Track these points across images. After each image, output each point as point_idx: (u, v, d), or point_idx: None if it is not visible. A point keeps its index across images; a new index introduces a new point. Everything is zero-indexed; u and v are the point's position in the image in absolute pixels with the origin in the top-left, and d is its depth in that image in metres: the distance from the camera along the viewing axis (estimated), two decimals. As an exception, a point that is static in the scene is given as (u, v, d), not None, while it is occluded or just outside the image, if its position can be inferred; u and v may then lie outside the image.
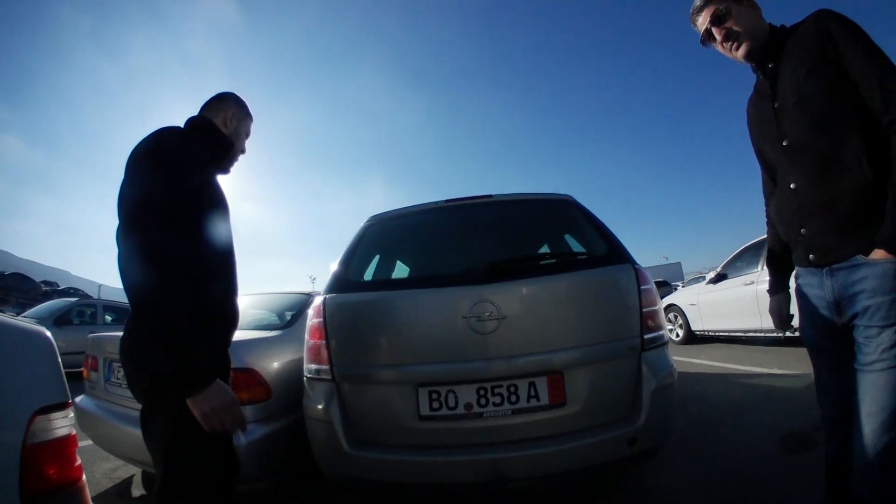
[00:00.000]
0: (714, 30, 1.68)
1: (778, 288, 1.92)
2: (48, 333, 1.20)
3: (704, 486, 2.67)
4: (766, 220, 1.93)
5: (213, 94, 1.81)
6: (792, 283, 1.79)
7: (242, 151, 1.85)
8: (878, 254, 1.38)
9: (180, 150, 1.48)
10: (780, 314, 1.91)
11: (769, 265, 1.97)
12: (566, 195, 2.83)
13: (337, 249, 2.63)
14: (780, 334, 2.03)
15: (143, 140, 1.46)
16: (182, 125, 1.67)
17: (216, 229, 1.56)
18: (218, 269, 1.57)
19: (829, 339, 1.60)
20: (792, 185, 1.58)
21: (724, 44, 1.68)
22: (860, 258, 1.43)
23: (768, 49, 1.65)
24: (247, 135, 1.86)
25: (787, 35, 1.60)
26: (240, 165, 1.85)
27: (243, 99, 1.85)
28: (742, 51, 1.66)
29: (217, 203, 1.59)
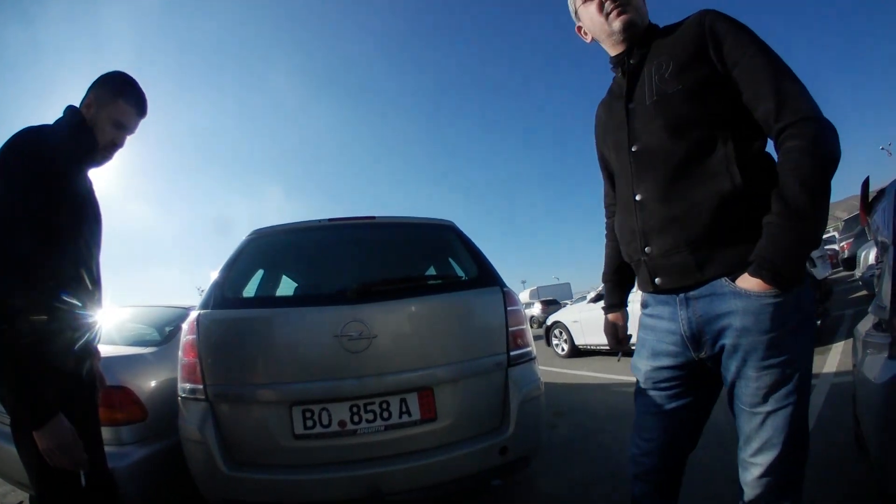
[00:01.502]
0: None
1: (614, 305, 1.77)
2: None
3: (587, 489, 2.88)
4: (605, 231, 1.80)
5: (111, 68, 1.62)
6: (634, 308, 1.70)
7: (116, 144, 1.60)
8: (750, 283, 1.19)
9: (21, 164, 1.36)
10: (617, 334, 1.77)
11: (605, 280, 1.79)
12: (448, 221, 2.97)
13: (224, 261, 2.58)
14: (617, 357, 1.98)
15: (5, 142, 1.37)
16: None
17: (68, 239, 1.48)
18: (68, 283, 1.48)
19: (675, 379, 1.43)
20: (638, 197, 1.38)
21: (608, 2, 1.40)
22: (725, 284, 1.24)
23: (639, 42, 1.43)
24: (116, 123, 1.57)
25: (662, 33, 1.41)
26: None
27: (120, 75, 1.61)
28: (624, 18, 1.39)
29: (75, 208, 1.51)
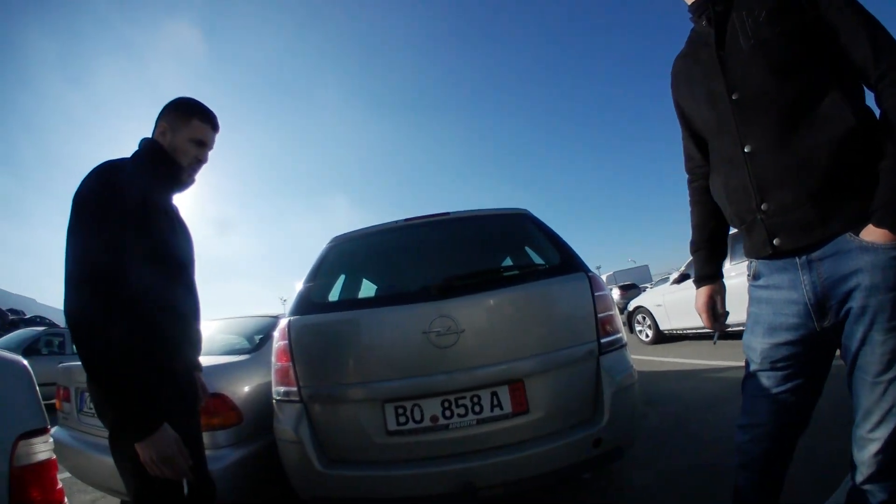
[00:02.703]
0: None
1: (709, 277, 1.60)
2: (25, 362, 1.22)
3: (679, 481, 2.72)
4: (689, 199, 1.66)
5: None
6: (734, 278, 1.49)
7: (200, 160, 1.64)
8: (875, 234, 1.12)
9: (110, 189, 1.39)
10: (715, 310, 1.59)
11: (697, 248, 1.62)
12: (522, 209, 2.91)
13: (305, 271, 2.65)
14: (714, 337, 1.75)
15: (83, 180, 1.40)
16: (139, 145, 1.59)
17: (162, 257, 1.50)
18: (169, 298, 1.51)
19: (793, 357, 1.33)
20: (747, 149, 1.27)
21: None
22: (850, 240, 1.17)
23: None
24: (195, 141, 1.60)
25: None
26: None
27: (186, 99, 1.64)
28: None
29: (164, 230, 1.53)
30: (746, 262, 1.48)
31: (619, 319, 2.42)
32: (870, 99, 1.23)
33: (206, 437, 2.27)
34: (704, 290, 1.60)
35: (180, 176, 1.61)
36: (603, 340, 2.24)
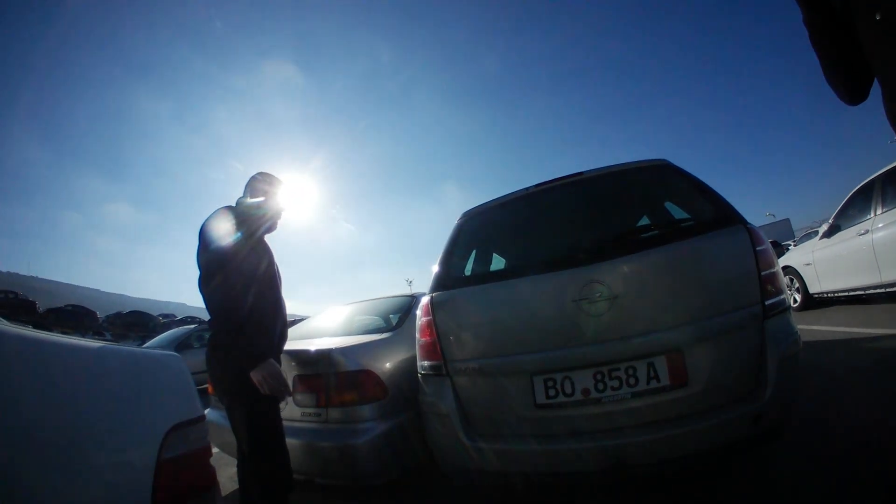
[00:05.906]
0: None
1: None
2: (179, 358, 1.31)
3: (828, 467, 2.28)
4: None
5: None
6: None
7: (283, 210, 2.38)
8: None
9: (231, 223, 2.07)
10: None
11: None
12: (661, 159, 2.64)
13: (425, 253, 2.68)
14: None
15: (208, 218, 2.08)
16: (235, 203, 2.28)
17: (263, 272, 2.18)
18: (273, 307, 2.23)
19: None
20: None
21: None
22: None
23: None
24: (282, 199, 2.37)
25: None
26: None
27: (269, 173, 2.38)
28: None
29: (259, 255, 2.20)
30: None
31: (783, 277, 2.15)
32: None
33: (353, 412, 2.49)
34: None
35: (273, 219, 2.34)
36: (767, 302, 1.99)
